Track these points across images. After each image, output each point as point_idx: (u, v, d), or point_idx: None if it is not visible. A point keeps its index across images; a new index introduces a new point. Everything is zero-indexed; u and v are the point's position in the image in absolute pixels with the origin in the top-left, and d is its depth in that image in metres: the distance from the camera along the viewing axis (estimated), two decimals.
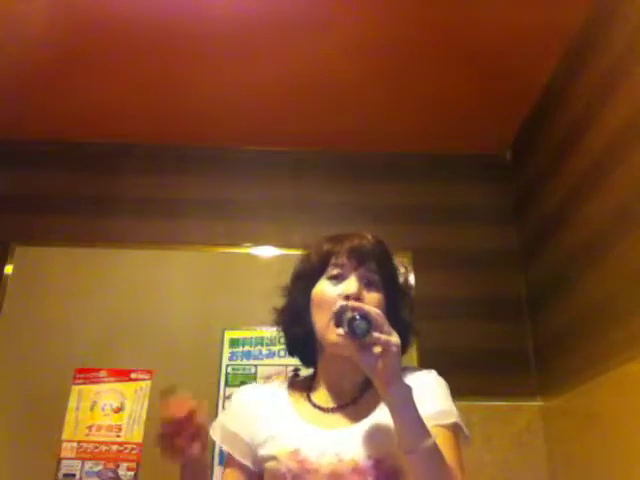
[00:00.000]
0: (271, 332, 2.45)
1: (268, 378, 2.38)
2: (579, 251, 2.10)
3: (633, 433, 1.68)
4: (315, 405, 1.07)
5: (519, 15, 2.08)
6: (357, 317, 0.88)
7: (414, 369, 1.06)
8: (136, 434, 2.30)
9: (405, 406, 0.88)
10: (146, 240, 2.65)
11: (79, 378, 2.38)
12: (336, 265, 1.06)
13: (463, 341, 2.45)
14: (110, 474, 2.25)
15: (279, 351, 2.43)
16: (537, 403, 2.37)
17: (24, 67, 2.37)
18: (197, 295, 2.55)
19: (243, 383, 2.37)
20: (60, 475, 2.24)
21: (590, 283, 2.01)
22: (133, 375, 2.39)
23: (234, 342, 2.45)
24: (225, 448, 1.09)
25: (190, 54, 2.31)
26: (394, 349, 0.86)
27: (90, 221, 2.69)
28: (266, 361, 2.42)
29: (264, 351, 2.44)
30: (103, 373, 2.39)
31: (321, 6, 2.08)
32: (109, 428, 2.31)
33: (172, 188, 2.77)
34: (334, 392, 1.07)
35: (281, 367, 2.40)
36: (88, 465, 2.26)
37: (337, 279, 1.05)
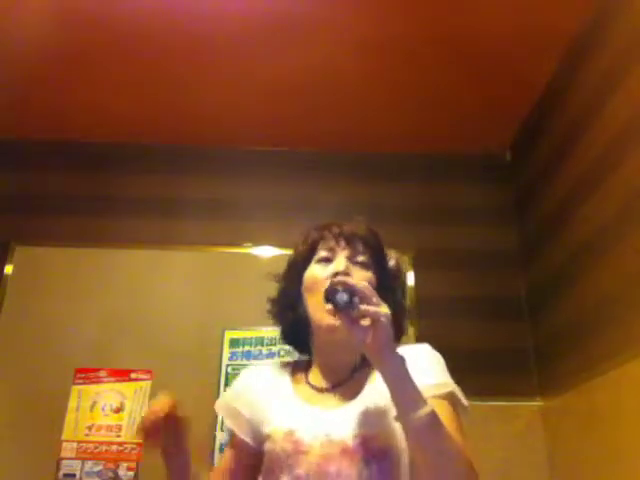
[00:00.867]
0: (271, 332, 2.45)
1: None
2: (579, 251, 2.10)
3: (633, 433, 1.68)
4: (310, 384, 1.08)
5: (519, 15, 2.08)
6: (339, 289, 0.89)
7: (408, 345, 1.05)
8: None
9: (399, 376, 0.88)
10: (146, 240, 2.65)
11: (79, 378, 2.38)
12: (324, 249, 1.09)
13: (463, 341, 2.45)
14: (110, 474, 2.25)
15: (279, 351, 2.43)
16: (537, 403, 2.37)
17: (24, 67, 2.37)
18: (197, 295, 2.55)
19: None
20: (60, 475, 2.24)
21: (590, 283, 2.01)
22: (133, 375, 2.39)
23: (234, 342, 2.45)
24: (227, 423, 1.12)
25: (190, 54, 2.31)
26: (383, 319, 0.86)
27: (90, 221, 2.69)
28: (266, 361, 2.42)
29: (264, 351, 2.44)
30: (103, 373, 2.39)
31: (321, 6, 2.08)
32: (109, 428, 2.32)
33: (172, 188, 2.77)
34: (328, 372, 1.08)
35: None
36: (88, 465, 2.26)
37: (326, 261, 1.07)
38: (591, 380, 1.94)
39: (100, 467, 2.26)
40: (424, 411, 0.85)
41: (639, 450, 1.65)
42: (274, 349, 2.44)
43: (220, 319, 2.48)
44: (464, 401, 1.00)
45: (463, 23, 2.13)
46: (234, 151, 2.85)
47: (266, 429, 1.04)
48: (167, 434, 0.99)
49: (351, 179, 2.81)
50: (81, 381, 2.38)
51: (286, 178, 2.81)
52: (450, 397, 0.99)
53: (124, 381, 2.38)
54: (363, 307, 0.86)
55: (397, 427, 0.92)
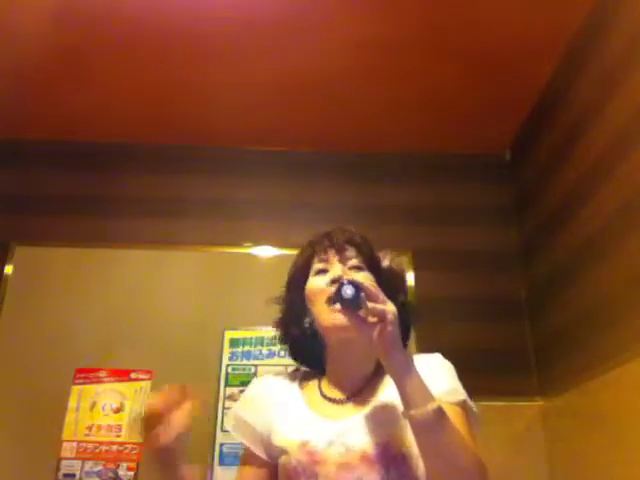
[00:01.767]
0: (271, 332, 2.44)
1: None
2: (579, 251, 2.10)
3: (633, 433, 1.68)
4: (324, 396, 1.08)
5: (519, 15, 2.08)
6: (344, 283, 0.90)
7: (419, 355, 1.06)
8: (136, 434, 2.30)
9: (406, 372, 0.88)
10: (146, 240, 2.65)
11: (79, 378, 2.38)
12: (319, 261, 1.11)
13: (463, 341, 2.45)
14: (110, 474, 2.25)
15: (279, 351, 2.43)
16: (537, 403, 2.37)
17: (24, 67, 2.37)
18: (197, 295, 2.55)
19: (243, 383, 2.37)
20: (60, 475, 2.24)
21: (590, 283, 2.01)
22: (133, 375, 2.39)
23: (234, 342, 2.45)
24: (237, 436, 1.11)
25: (190, 54, 2.31)
26: (390, 316, 0.87)
27: (90, 221, 2.69)
28: (266, 361, 2.42)
29: (264, 351, 2.44)
30: (103, 373, 2.39)
31: (321, 6, 2.08)
32: (109, 428, 2.32)
33: (172, 188, 2.77)
34: (342, 383, 1.08)
35: (281, 367, 2.40)
36: (88, 465, 2.26)
37: (323, 272, 1.09)
38: (591, 380, 1.94)
39: (100, 467, 2.26)
40: (431, 406, 0.86)
41: (639, 450, 1.65)
42: (274, 349, 2.44)
43: (220, 319, 2.48)
44: (476, 411, 1.01)
45: (463, 23, 2.13)
46: (234, 151, 2.85)
47: (279, 441, 1.04)
48: (167, 432, 0.95)
49: (351, 179, 2.81)
50: (81, 381, 2.38)
51: (286, 178, 2.81)
52: (462, 405, 0.99)
53: (124, 381, 2.38)
54: (370, 305, 0.88)
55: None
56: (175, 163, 2.84)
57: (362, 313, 0.88)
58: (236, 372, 2.40)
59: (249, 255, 2.66)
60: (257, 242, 2.67)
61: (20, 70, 2.39)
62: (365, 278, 1.04)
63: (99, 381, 2.38)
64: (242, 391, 2.43)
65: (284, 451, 1.02)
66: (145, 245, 2.64)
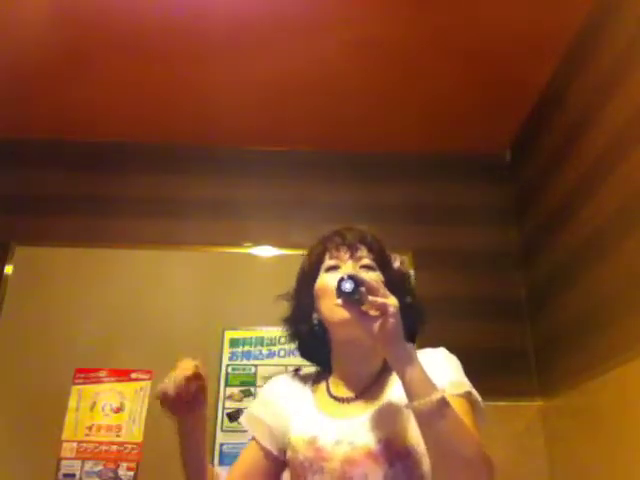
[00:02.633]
0: (271, 332, 2.45)
1: (268, 378, 2.38)
2: (579, 251, 2.10)
3: (633, 433, 1.68)
4: (332, 395, 1.09)
5: (519, 15, 2.08)
6: (344, 278, 0.91)
7: (424, 349, 1.06)
8: (136, 434, 2.30)
9: (409, 364, 0.89)
10: (146, 240, 2.65)
11: (79, 378, 2.38)
12: (330, 258, 1.12)
13: (463, 341, 2.44)
14: (110, 474, 2.25)
15: (279, 351, 2.43)
16: (537, 403, 2.37)
17: (24, 67, 2.37)
18: (197, 295, 2.55)
19: (243, 383, 2.38)
20: (60, 475, 2.24)
21: (590, 283, 2.01)
22: (133, 375, 2.39)
23: (234, 342, 2.45)
24: (251, 432, 1.14)
25: (190, 54, 2.31)
26: (392, 309, 0.88)
27: (90, 221, 2.69)
28: (266, 361, 2.42)
29: (264, 351, 2.44)
30: (103, 373, 2.39)
31: (321, 6, 2.08)
32: (109, 428, 2.32)
33: (172, 188, 2.77)
34: (349, 382, 1.09)
35: (281, 367, 2.40)
36: (88, 465, 2.26)
37: (334, 269, 1.10)
38: (591, 380, 1.94)
39: (100, 467, 2.26)
40: (435, 396, 0.86)
41: (639, 450, 1.65)
42: (274, 349, 2.44)
43: (220, 319, 2.48)
44: (481, 403, 1.01)
45: (463, 23, 2.13)
46: (234, 151, 2.84)
47: (288, 438, 1.07)
48: (190, 399, 0.99)
49: (351, 179, 2.81)
50: (81, 381, 2.38)
51: (286, 178, 2.81)
52: (467, 397, 1.00)
53: (124, 381, 2.38)
54: (372, 298, 0.88)
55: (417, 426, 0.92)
56: (175, 163, 2.83)
57: (364, 307, 0.89)
58: (236, 372, 2.40)
59: (249, 255, 2.66)
60: (257, 242, 2.67)
61: (20, 70, 2.39)
62: (376, 277, 1.04)
63: (99, 381, 2.38)
64: (242, 391, 2.45)
65: (291, 446, 1.05)
66: (145, 245, 2.64)
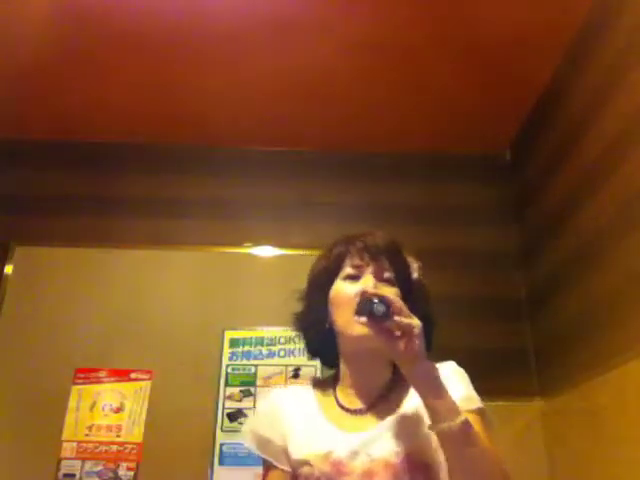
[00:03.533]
0: (271, 332, 2.45)
1: (268, 378, 2.38)
2: (579, 251, 2.10)
3: (633, 433, 1.68)
4: (342, 407, 1.07)
5: (519, 16, 2.08)
6: (375, 301, 0.90)
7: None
8: (136, 434, 2.30)
9: (433, 385, 0.89)
10: (146, 240, 2.65)
11: (79, 378, 2.38)
12: (350, 265, 1.09)
13: (463, 341, 2.45)
14: (110, 474, 2.25)
15: (279, 351, 2.43)
16: (537, 403, 2.37)
17: (24, 67, 2.37)
18: (197, 295, 2.55)
19: (243, 383, 2.38)
20: (60, 475, 2.24)
21: (590, 283, 2.01)
22: (133, 375, 2.39)
23: (234, 342, 2.45)
24: (261, 454, 1.09)
25: (190, 54, 2.31)
26: (416, 330, 0.89)
27: (90, 221, 2.69)
28: (266, 361, 2.42)
29: (264, 351, 2.44)
30: (103, 373, 2.39)
31: (321, 6, 2.08)
32: (109, 428, 2.31)
33: (172, 188, 2.77)
34: (360, 393, 1.08)
35: (281, 367, 2.40)
36: (88, 465, 2.26)
37: (353, 279, 1.07)
38: (591, 380, 1.93)
39: (100, 467, 2.26)
40: (459, 419, 0.87)
41: (639, 450, 1.65)
42: (274, 349, 2.43)
43: (220, 319, 2.48)
44: (491, 418, 1.02)
45: (463, 23, 2.13)
46: (234, 151, 2.84)
47: (298, 454, 1.03)
48: None
49: (351, 179, 2.81)
50: (81, 381, 2.38)
51: (286, 178, 2.81)
52: (478, 412, 1.00)
53: (124, 381, 2.38)
54: (396, 318, 0.88)
55: (435, 439, 0.93)
56: (175, 163, 2.83)
57: (388, 325, 0.89)
58: (236, 372, 2.40)
59: (249, 255, 2.65)
60: (257, 242, 2.67)
61: (20, 70, 2.38)
62: (391, 294, 1.02)
63: (99, 381, 2.38)
64: (242, 391, 2.45)
65: (306, 463, 1.01)
66: (145, 245, 2.64)
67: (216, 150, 2.84)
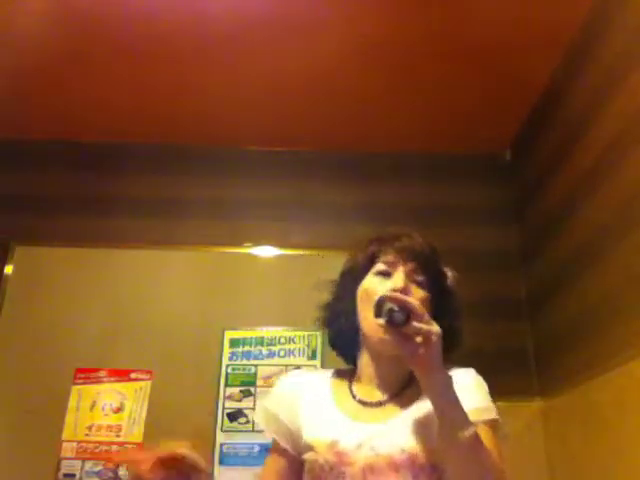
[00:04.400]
0: (271, 332, 2.45)
1: (268, 378, 2.38)
2: (579, 251, 2.10)
3: (633, 433, 1.68)
4: (356, 398, 1.07)
5: (519, 15, 2.08)
6: (396, 308, 0.89)
7: (453, 367, 1.05)
8: (136, 434, 2.30)
9: (446, 394, 0.89)
10: (146, 240, 2.65)
11: (79, 378, 2.38)
12: (384, 262, 1.08)
13: (463, 341, 2.45)
14: (110, 474, 2.25)
15: (279, 351, 2.43)
16: (537, 403, 2.37)
17: (24, 67, 2.37)
18: (197, 295, 2.55)
19: (243, 383, 2.38)
20: (60, 475, 2.24)
21: (590, 283, 2.01)
22: (133, 375, 2.39)
23: (234, 342, 2.45)
24: (265, 429, 1.11)
25: (190, 54, 2.31)
26: (434, 338, 0.87)
27: (90, 221, 2.69)
28: (266, 361, 2.42)
29: (264, 351, 2.44)
30: (103, 373, 2.39)
31: (321, 6, 2.08)
32: (109, 428, 2.32)
33: (172, 188, 2.77)
34: (376, 387, 1.07)
35: (281, 367, 2.40)
36: (88, 465, 2.26)
37: (384, 275, 1.07)
38: (591, 380, 1.94)
39: (100, 467, 2.26)
40: (468, 432, 0.87)
41: (639, 450, 1.65)
42: (274, 349, 2.44)
43: (220, 319, 2.48)
44: (505, 429, 1.03)
45: (463, 23, 2.13)
46: (234, 151, 2.84)
47: (306, 438, 1.04)
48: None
49: (351, 179, 2.81)
50: (81, 381, 2.38)
51: (286, 178, 2.81)
52: (493, 423, 1.00)
53: (124, 381, 2.38)
54: (416, 324, 0.87)
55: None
56: (175, 163, 2.83)
57: (406, 330, 0.88)
58: (236, 372, 2.40)
59: (249, 255, 2.65)
60: (257, 242, 2.67)
61: (20, 70, 2.38)
62: (421, 297, 1.02)
63: (99, 381, 2.38)
64: (242, 391, 2.45)
65: (312, 448, 1.02)
66: (145, 245, 2.64)
67: (216, 150, 2.84)
